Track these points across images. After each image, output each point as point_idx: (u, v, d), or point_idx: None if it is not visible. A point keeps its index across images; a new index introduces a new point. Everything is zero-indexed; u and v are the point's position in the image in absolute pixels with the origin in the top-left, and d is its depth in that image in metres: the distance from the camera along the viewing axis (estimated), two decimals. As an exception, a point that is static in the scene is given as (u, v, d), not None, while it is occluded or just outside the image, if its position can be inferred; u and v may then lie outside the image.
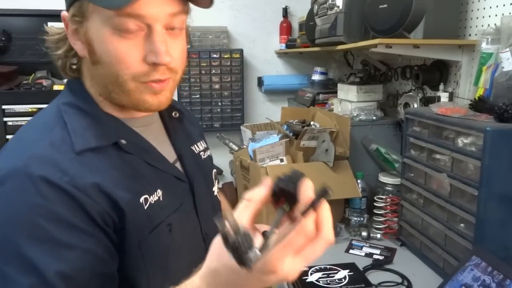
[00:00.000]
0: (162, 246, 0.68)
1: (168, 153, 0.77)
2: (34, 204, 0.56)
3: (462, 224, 1.15)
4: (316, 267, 1.19)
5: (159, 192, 0.69)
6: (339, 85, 1.93)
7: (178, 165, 0.78)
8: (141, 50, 0.62)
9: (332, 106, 1.99)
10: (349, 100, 1.81)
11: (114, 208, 0.61)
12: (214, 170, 0.91)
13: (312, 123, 1.78)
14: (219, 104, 2.47)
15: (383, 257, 1.37)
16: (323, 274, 1.15)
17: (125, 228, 0.63)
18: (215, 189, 0.88)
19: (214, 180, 0.89)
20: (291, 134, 1.75)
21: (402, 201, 1.41)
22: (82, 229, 0.58)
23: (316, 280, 1.12)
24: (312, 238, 0.44)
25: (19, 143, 0.64)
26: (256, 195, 0.48)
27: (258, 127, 2.11)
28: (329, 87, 2.28)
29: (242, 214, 0.47)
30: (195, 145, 0.86)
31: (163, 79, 0.65)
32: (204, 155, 0.88)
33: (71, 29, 0.66)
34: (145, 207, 0.65)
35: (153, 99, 0.67)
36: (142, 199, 0.65)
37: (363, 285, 1.11)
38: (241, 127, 2.15)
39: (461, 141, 1.13)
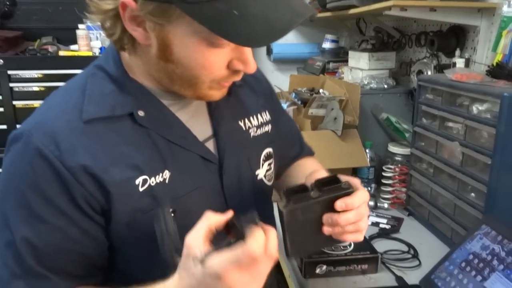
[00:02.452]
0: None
1: (202, 129, 0.71)
2: (24, 172, 0.60)
3: (472, 194, 1.13)
4: (321, 234, 1.17)
5: (166, 174, 0.65)
6: (350, 53, 1.87)
7: (211, 143, 0.72)
8: (227, 58, 0.61)
9: (343, 75, 1.94)
10: (360, 68, 1.77)
11: (100, 189, 0.61)
12: (268, 150, 0.81)
13: (321, 91, 1.74)
14: None
15: (389, 226, 1.36)
16: None
17: (111, 209, 0.62)
18: (259, 172, 0.79)
19: (264, 162, 0.80)
20: (299, 102, 1.72)
21: (411, 170, 1.39)
22: (59, 207, 0.60)
23: (321, 247, 1.11)
24: (255, 258, 0.50)
25: (42, 106, 0.66)
26: (214, 218, 0.56)
27: None
28: (340, 56, 2.22)
29: (199, 226, 0.55)
30: (247, 119, 0.78)
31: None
32: (256, 132, 0.79)
33: (130, 16, 0.58)
34: (141, 189, 0.63)
35: (218, 93, 0.66)
36: (139, 180, 0.63)
37: (368, 253, 1.10)
38: None
39: (475, 108, 1.09)
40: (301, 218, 0.63)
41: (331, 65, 2.13)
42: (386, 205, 1.49)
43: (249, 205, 0.72)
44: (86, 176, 0.59)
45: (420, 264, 1.14)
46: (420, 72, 1.63)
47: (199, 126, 0.71)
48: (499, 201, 1.01)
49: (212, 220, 0.55)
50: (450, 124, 1.19)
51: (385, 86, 1.68)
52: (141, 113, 0.64)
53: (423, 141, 1.34)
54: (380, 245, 1.23)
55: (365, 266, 1.09)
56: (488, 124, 1.03)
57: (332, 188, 0.62)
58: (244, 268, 0.50)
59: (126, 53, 0.66)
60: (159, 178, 0.64)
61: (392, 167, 1.51)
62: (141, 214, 0.63)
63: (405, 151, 1.51)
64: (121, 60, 0.67)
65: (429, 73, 1.58)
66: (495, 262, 0.90)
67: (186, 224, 0.57)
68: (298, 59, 2.52)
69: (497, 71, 1.14)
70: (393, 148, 1.56)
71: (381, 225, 1.36)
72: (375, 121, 1.68)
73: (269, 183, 0.80)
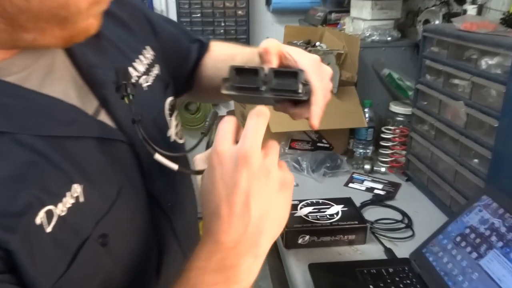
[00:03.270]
0: (96, 276, 0.44)
1: (83, 99, 0.48)
2: None
3: (475, 160, 1.03)
4: (308, 201, 1.10)
5: (76, 189, 0.42)
6: (353, 1, 1.71)
7: (103, 114, 0.49)
8: None
9: (344, 27, 1.79)
10: (362, 18, 1.61)
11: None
12: (169, 100, 0.62)
13: (317, 44, 1.61)
14: (222, 24, 2.28)
15: (385, 192, 1.28)
16: (314, 209, 1.06)
17: (24, 276, 0.38)
18: (170, 132, 0.60)
19: (170, 116, 0.61)
20: None
21: (412, 132, 1.30)
22: None
23: (305, 215, 1.04)
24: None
25: None
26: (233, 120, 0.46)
27: None
28: (344, 6, 2.03)
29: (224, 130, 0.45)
30: (131, 68, 0.56)
31: None
32: (147, 80, 0.58)
33: None
34: (48, 229, 0.39)
35: (96, 21, 0.44)
36: (39, 219, 0.39)
37: (356, 222, 1.01)
38: None
39: (485, 63, 0.96)
40: (243, 100, 0.58)
41: (333, 15, 1.96)
42: (383, 169, 1.40)
43: (173, 178, 0.58)
44: None
45: (413, 234, 1.07)
46: (427, 22, 1.49)
47: (75, 94, 0.47)
48: (504, 170, 0.90)
49: (234, 121, 0.46)
50: (456, 81, 1.08)
51: (389, 38, 1.54)
52: None
53: (426, 100, 1.23)
54: (372, 213, 1.15)
55: (352, 237, 1.01)
56: (498, 81, 0.91)
57: (287, 91, 0.52)
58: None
59: None
60: (69, 200, 0.41)
61: (392, 128, 1.42)
62: (64, 269, 0.41)
63: (408, 110, 1.41)
64: None
65: (437, 22, 1.44)
66: (493, 238, 0.80)
67: (119, 252, 0.44)
68: (300, 10, 2.33)
69: (513, 19, 0.99)
70: (394, 108, 1.46)
71: (376, 191, 1.29)
72: (376, 78, 1.57)
73: (181, 141, 0.64)
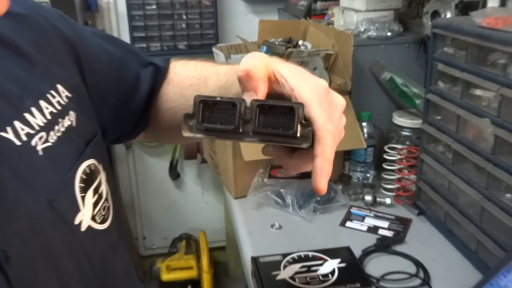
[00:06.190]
0: None
1: None
2: None
3: (508, 195, 0.94)
4: (294, 255, 0.98)
5: None
6: (343, -13, 1.63)
7: None
8: None
9: (333, 18, 1.74)
10: (355, 9, 1.55)
11: None
12: (86, 164, 0.51)
13: (301, 42, 1.54)
14: (184, 17, 2.21)
15: (392, 233, 1.19)
16: (302, 267, 0.95)
17: None
18: (82, 215, 0.49)
19: (84, 190, 0.50)
20: None
21: (423, 154, 1.22)
22: None
23: (291, 277, 0.92)
24: None
25: None
26: None
27: (235, 49, 1.85)
28: (332, -8, 1.98)
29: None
30: (18, 122, 0.45)
31: None
32: (47, 140, 0.47)
33: None
34: None
35: None
36: None
37: (357, 286, 0.89)
38: (213, 49, 1.90)
39: (517, 70, 0.88)
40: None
41: (319, 4, 1.93)
42: (388, 200, 1.32)
43: None
44: None
45: (432, 293, 0.97)
46: (435, 14, 1.43)
47: None
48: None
49: None
50: (478, 91, 1.01)
51: (389, 34, 1.48)
52: None
53: (439, 114, 1.16)
54: (378, 265, 1.07)
55: (353, 303, 0.89)
56: (536, 95, 0.82)
57: (278, 135, 0.46)
58: None
59: None
60: None
61: (398, 146, 1.36)
62: None
63: (416, 123, 1.37)
64: None
65: (449, 14, 1.38)
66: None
67: None
68: (278, -2, 2.27)
69: (549, 12, 0.91)
70: (399, 120, 1.43)
71: (380, 231, 1.21)
72: (375, 83, 1.52)
73: (104, 225, 0.53)
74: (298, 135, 0.45)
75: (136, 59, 0.69)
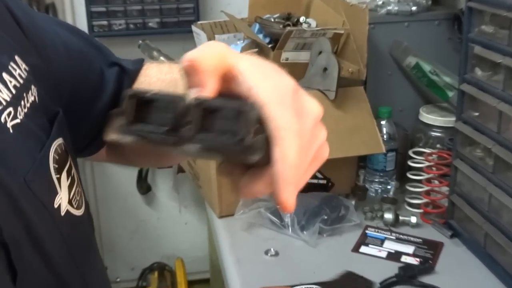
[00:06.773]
0: None
1: None
2: None
3: None
4: (294, 289, 1.00)
5: None
6: (355, -50, 1.68)
7: None
8: None
9: None
10: None
11: None
12: (58, 142, 0.59)
13: (303, 19, 1.58)
14: None
15: (418, 260, 1.23)
16: None
17: None
18: (60, 198, 0.57)
19: (59, 172, 0.58)
20: (265, 39, 1.58)
21: (457, 160, 1.27)
22: None
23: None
24: None
25: None
26: None
27: (221, 27, 1.95)
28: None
29: None
30: None
31: None
32: (16, 116, 0.54)
33: None
34: None
35: None
36: None
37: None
38: (193, 27, 1.98)
39: None
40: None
41: None
42: (414, 219, 1.37)
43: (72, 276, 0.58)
44: None
45: None
46: None
47: None
48: None
49: None
50: None
51: (414, 8, 1.54)
52: None
53: (477, 110, 1.22)
54: None
55: None
56: None
57: (221, 145, 0.45)
58: None
59: None
60: None
61: (425, 151, 1.42)
62: None
63: (449, 121, 1.42)
64: None
65: None
66: None
67: None
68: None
69: None
70: (427, 116, 1.48)
71: (404, 258, 1.24)
72: (397, 71, 1.57)
73: (80, 212, 0.61)
74: (247, 144, 0.43)
75: (101, 56, 0.73)
